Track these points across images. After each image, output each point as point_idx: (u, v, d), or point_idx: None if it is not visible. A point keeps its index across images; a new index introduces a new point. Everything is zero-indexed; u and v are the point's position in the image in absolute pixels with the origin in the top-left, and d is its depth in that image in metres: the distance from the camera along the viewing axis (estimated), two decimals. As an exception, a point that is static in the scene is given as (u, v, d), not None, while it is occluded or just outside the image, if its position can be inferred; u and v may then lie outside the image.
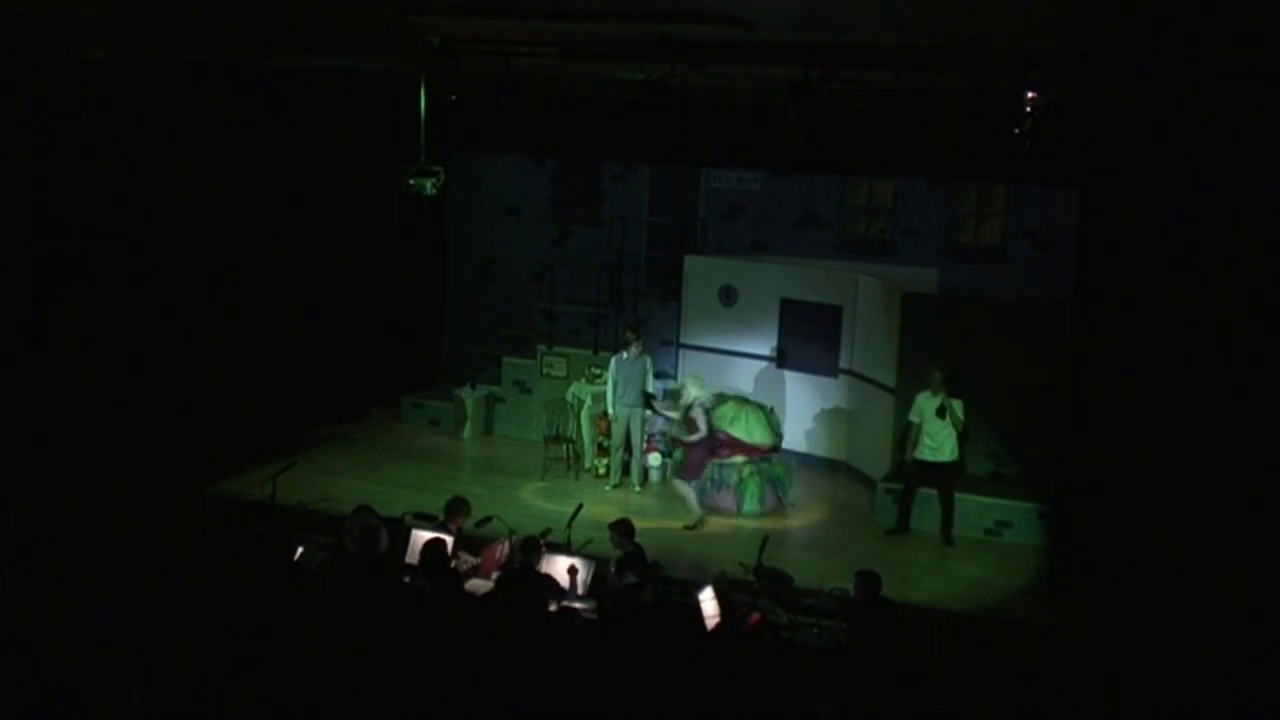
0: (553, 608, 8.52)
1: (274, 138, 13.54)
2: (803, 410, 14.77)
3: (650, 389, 13.63)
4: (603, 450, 14.11)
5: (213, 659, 7.20)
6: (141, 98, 11.49)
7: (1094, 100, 9.71)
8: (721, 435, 13.39)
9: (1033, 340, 12.74)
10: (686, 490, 12.81)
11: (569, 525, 10.12)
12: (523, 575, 9.16)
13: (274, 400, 14.43)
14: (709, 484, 13.23)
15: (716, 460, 13.30)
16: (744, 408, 13.58)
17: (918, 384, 12.64)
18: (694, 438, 12.78)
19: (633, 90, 10.58)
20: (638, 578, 9.29)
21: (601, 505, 12.71)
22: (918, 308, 13.35)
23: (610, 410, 13.60)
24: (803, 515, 13.38)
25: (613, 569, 9.64)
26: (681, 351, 15.63)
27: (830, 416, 14.63)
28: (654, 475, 14.05)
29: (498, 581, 9.22)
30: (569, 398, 14.64)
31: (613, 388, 13.53)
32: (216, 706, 6.81)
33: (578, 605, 9.13)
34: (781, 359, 14.86)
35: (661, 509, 13.15)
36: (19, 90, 11.58)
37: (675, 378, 15.44)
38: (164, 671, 6.96)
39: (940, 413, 12.29)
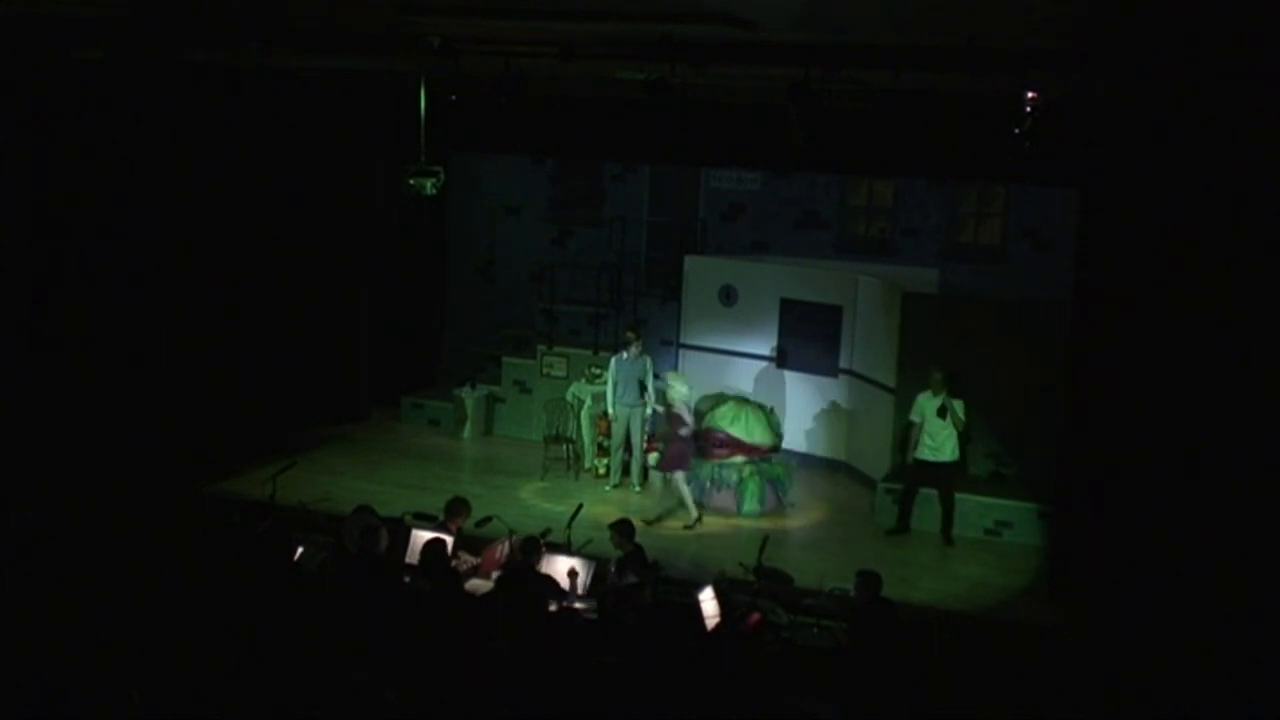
0: (553, 608, 8.52)
1: (274, 138, 13.53)
2: (803, 410, 14.77)
3: (650, 389, 13.64)
4: (603, 450, 14.12)
5: (213, 659, 7.20)
6: (141, 98, 11.48)
7: (1094, 100, 9.71)
8: (721, 435, 13.40)
9: (1033, 340, 12.74)
10: (685, 490, 12.81)
11: (569, 525, 10.12)
12: (523, 575, 9.16)
13: (274, 400, 14.43)
14: (709, 484, 13.24)
15: (716, 460, 13.32)
16: (744, 408, 13.59)
17: (918, 384, 12.65)
18: (681, 431, 12.77)
19: (633, 90, 10.58)
20: (638, 578, 9.29)
21: (601, 505, 12.71)
22: (918, 308, 13.36)
23: (610, 410, 13.60)
24: (803, 515, 13.38)
25: (613, 569, 9.65)
26: (681, 351, 15.63)
27: (830, 416, 14.63)
28: (654, 475, 14.04)
29: (498, 581, 9.22)
30: (569, 398, 14.64)
31: (613, 388, 13.53)
32: (216, 706, 6.81)
33: (578, 605, 9.13)
34: (781, 359, 14.86)
35: (662, 509, 13.13)
36: (19, 90, 11.58)
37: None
38: (164, 671, 6.96)
39: (941, 413, 12.29)
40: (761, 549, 9.87)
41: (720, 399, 13.97)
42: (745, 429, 13.37)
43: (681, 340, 15.62)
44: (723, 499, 13.20)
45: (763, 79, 10.53)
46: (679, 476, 12.80)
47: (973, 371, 12.70)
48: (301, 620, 7.99)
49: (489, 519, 10.59)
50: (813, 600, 9.87)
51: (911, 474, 12.68)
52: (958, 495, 12.55)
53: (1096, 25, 7.95)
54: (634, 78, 10.40)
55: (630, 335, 13.64)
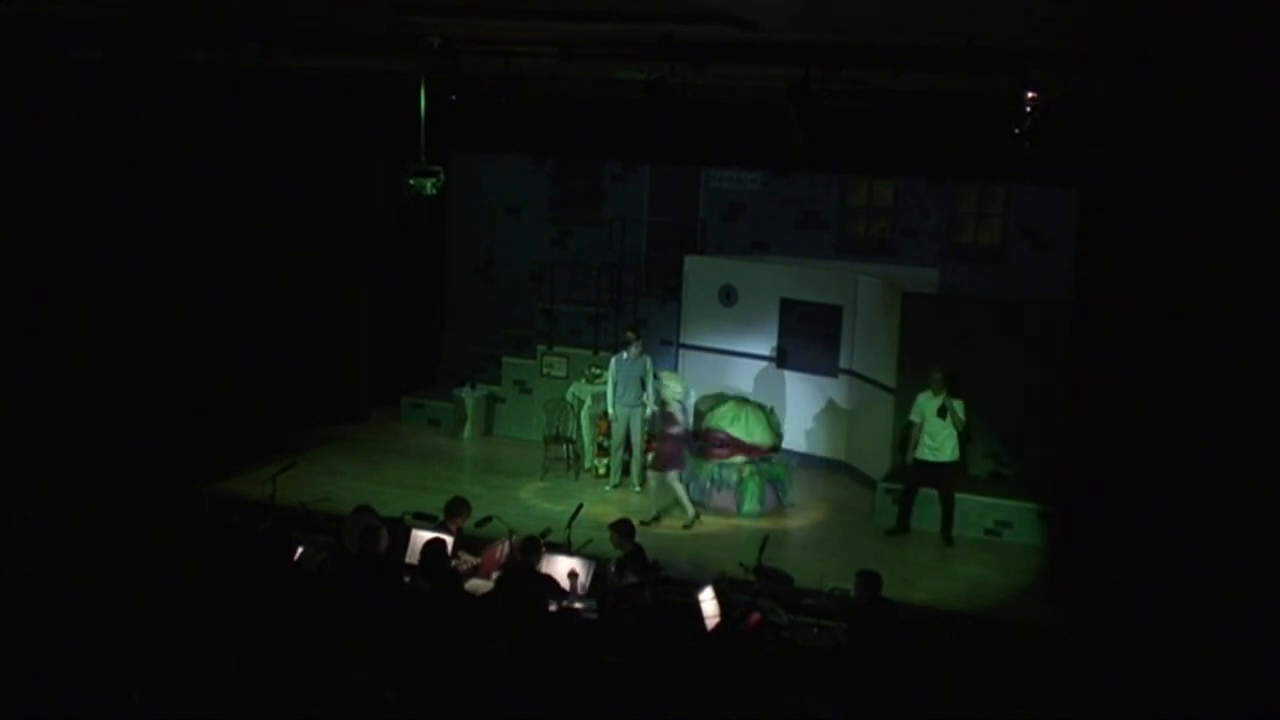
0: (553, 608, 8.52)
1: (274, 138, 13.53)
2: (803, 410, 14.77)
3: (650, 389, 13.64)
4: (603, 450, 14.12)
5: (213, 659, 7.20)
6: (141, 98, 11.49)
7: (1094, 100, 9.71)
8: (721, 435, 13.40)
9: (1033, 340, 12.75)
10: (679, 489, 12.81)
11: (569, 525, 10.12)
12: (523, 575, 9.16)
13: (274, 400, 14.43)
14: (709, 484, 13.24)
15: (716, 460, 13.32)
16: (744, 408, 13.59)
17: (918, 384, 12.65)
18: (674, 430, 12.78)
19: (633, 90, 10.58)
20: (638, 578, 9.29)
21: (601, 505, 12.71)
22: (918, 308, 13.36)
23: (610, 410, 13.59)
24: (803, 515, 13.38)
25: (613, 569, 9.65)
26: (681, 351, 15.63)
27: (830, 416, 14.63)
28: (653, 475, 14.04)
29: (498, 581, 9.22)
30: (569, 398, 14.64)
31: (613, 388, 13.53)
32: (216, 706, 6.81)
33: (578, 605, 9.13)
34: (781, 359, 14.86)
35: (660, 509, 13.13)
36: (19, 90, 11.58)
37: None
38: (164, 671, 6.96)
39: (941, 413, 12.29)
40: (761, 549, 9.86)
41: (720, 399, 13.97)
42: (745, 429, 13.37)
43: (681, 340, 15.62)
44: (723, 499, 13.20)
45: (763, 79, 10.53)
46: (672, 476, 12.79)
47: (973, 371, 12.70)
48: (301, 620, 7.99)
49: (489, 519, 10.59)
50: (813, 600, 9.87)
51: (911, 474, 12.68)
52: (958, 495, 12.55)
53: (1096, 25, 7.95)
54: (634, 78, 10.40)
55: (630, 335, 13.64)
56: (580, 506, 10.66)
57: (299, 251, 14.60)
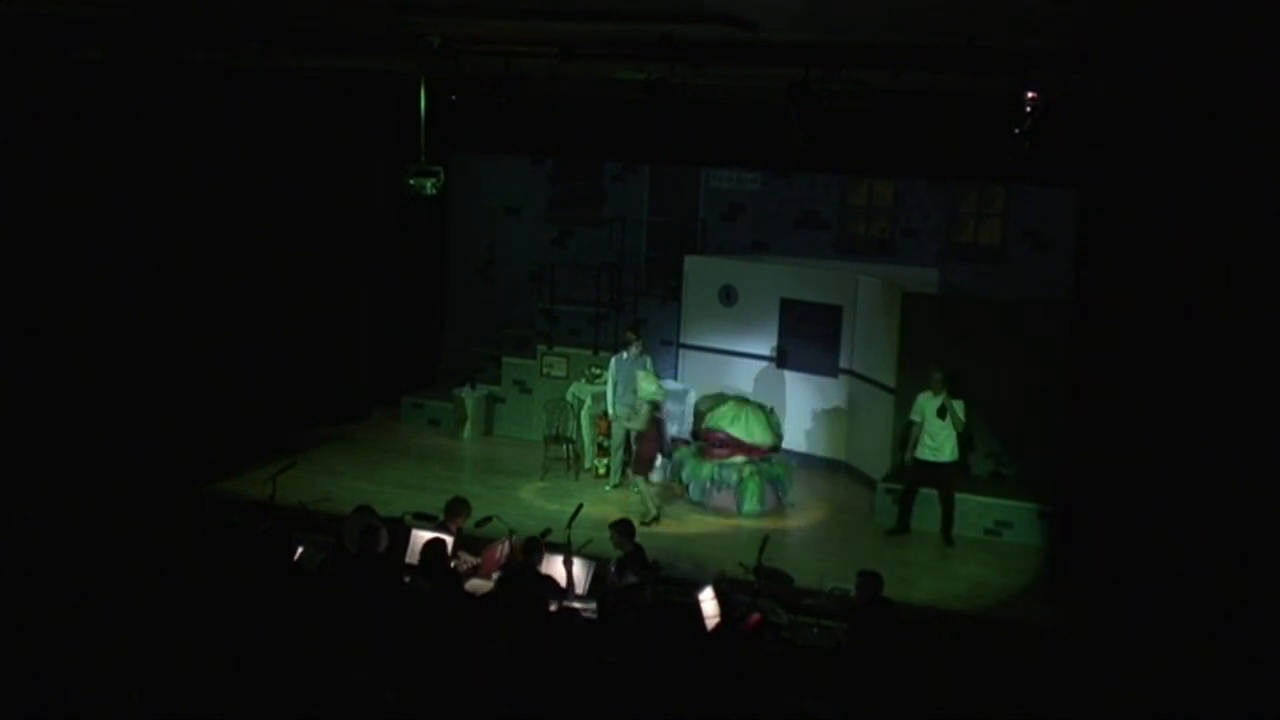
0: (553, 608, 8.52)
1: (274, 138, 13.53)
2: (803, 410, 14.77)
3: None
4: (603, 450, 14.11)
5: (213, 659, 7.20)
6: (141, 98, 11.48)
7: (1094, 100, 9.71)
8: (721, 435, 13.40)
9: (1033, 340, 12.75)
10: (647, 489, 12.83)
11: (569, 525, 10.12)
12: (523, 575, 9.15)
13: (274, 400, 14.43)
14: (709, 484, 13.25)
15: (716, 460, 13.32)
16: (744, 408, 13.59)
17: (918, 384, 12.65)
18: (635, 427, 12.80)
19: (633, 90, 10.58)
20: (638, 578, 9.29)
21: (601, 505, 12.71)
22: (918, 308, 13.36)
23: (610, 410, 13.59)
24: (803, 515, 13.39)
25: (613, 569, 9.65)
26: (681, 351, 15.64)
27: (830, 416, 14.63)
28: (654, 475, 14.04)
29: (498, 581, 9.22)
30: (569, 398, 14.64)
31: (613, 388, 13.53)
32: (216, 706, 6.81)
33: (578, 605, 9.13)
34: (781, 359, 14.87)
35: (660, 507, 13.14)
36: (19, 90, 11.58)
37: (676, 378, 15.45)
38: (164, 671, 6.96)
39: (941, 413, 12.29)
40: (761, 549, 9.86)
41: (720, 399, 13.97)
42: (745, 429, 13.37)
43: (681, 340, 15.62)
44: (723, 499, 13.20)
45: (763, 79, 10.53)
46: (642, 479, 12.83)
47: (973, 371, 12.70)
48: (301, 620, 7.98)
49: (489, 519, 10.59)
50: (813, 600, 9.87)
51: (911, 474, 12.68)
52: (958, 495, 12.55)
53: (1096, 25, 7.95)
54: (634, 78, 10.40)
55: (630, 335, 13.64)
56: (580, 506, 10.66)
57: (299, 251, 14.60)
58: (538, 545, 9.59)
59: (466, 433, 15.49)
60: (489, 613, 8.48)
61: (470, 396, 15.54)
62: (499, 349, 16.03)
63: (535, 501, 13.24)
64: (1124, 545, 9.65)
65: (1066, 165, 10.63)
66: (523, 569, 9.28)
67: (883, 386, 13.73)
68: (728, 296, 15.18)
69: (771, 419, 13.69)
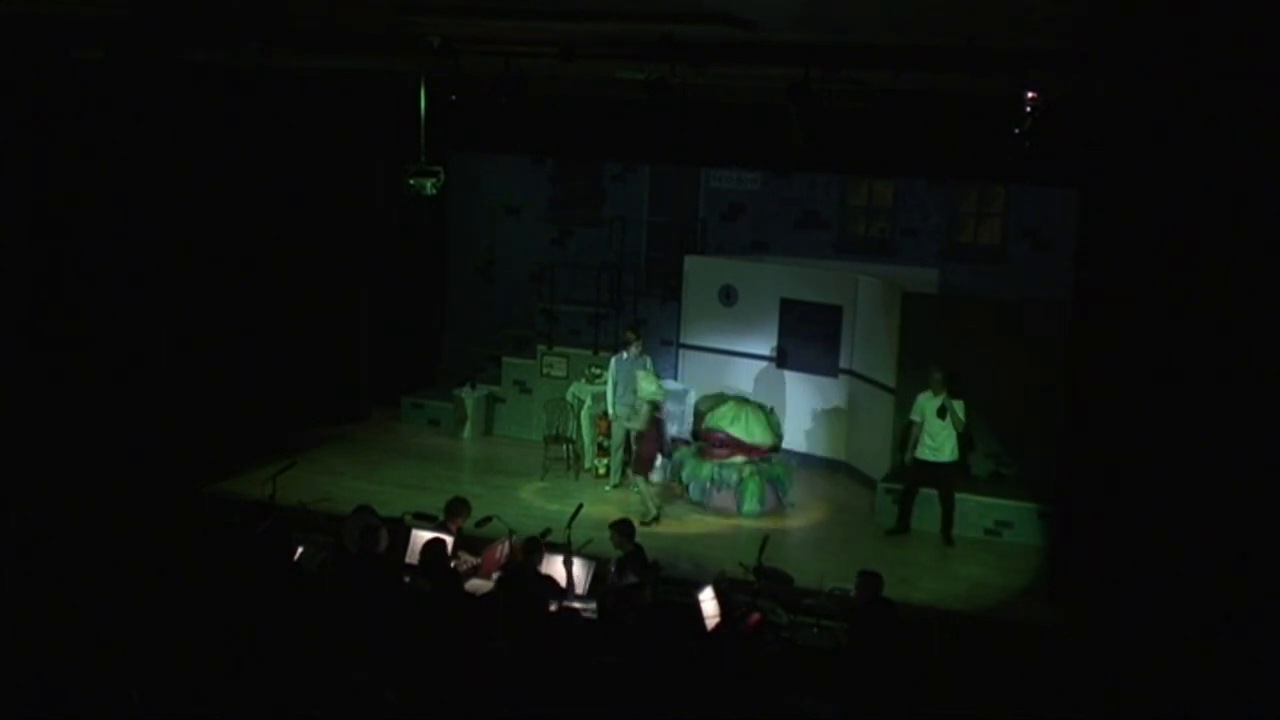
0: (553, 608, 8.52)
1: (274, 138, 13.53)
2: (803, 410, 14.77)
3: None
4: (603, 450, 14.11)
5: (213, 659, 7.20)
6: (141, 98, 11.48)
7: (1094, 100, 9.71)
8: (721, 435, 13.40)
9: (1033, 340, 12.75)
10: (647, 489, 12.85)
11: (569, 525, 10.12)
12: (523, 575, 9.15)
13: (274, 400, 14.43)
14: (709, 484, 13.24)
15: (716, 460, 13.32)
16: (744, 408, 13.59)
17: (918, 384, 12.65)
18: (635, 427, 12.81)
19: (633, 90, 10.58)
20: (638, 578, 9.29)
21: (601, 505, 12.71)
22: (918, 308, 13.36)
23: (610, 410, 13.59)
24: (803, 515, 13.38)
25: (613, 569, 9.64)
26: (681, 351, 15.64)
27: (830, 416, 14.63)
28: (654, 475, 14.04)
29: (498, 581, 9.22)
30: (569, 398, 14.64)
31: (613, 388, 13.53)
32: (216, 706, 6.81)
33: (578, 605, 9.13)
34: (781, 359, 14.87)
35: (662, 509, 13.13)
36: (19, 90, 11.58)
37: (676, 378, 15.45)
38: (164, 671, 6.96)
39: (941, 413, 12.29)
40: (761, 549, 9.86)
41: (720, 399, 13.97)
42: (745, 429, 13.37)
43: (681, 340, 15.62)
44: (723, 499, 13.20)
45: (763, 79, 10.53)
46: (642, 479, 12.84)
47: (973, 371, 12.70)
48: (301, 620, 7.98)
49: (489, 519, 10.59)
50: (813, 600, 9.87)
51: (911, 474, 12.68)
52: (958, 495, 12.55)
53: (1096, 25, 7.95)
54: (634, 78, 10.40)
55: (630, 335, 13.64)
56: (580, 506, 10.66)
57: (299, 251, 14.60)
58: (538, 545, 9.59)
59: (466, 433, 15.49)
60: (489, 613, 8.48)
61: (470, 396, 15.54)
62: (499, 349, 16.03)
63: (535, 501, 13.24)
64: (1124, 545, 9.65)
65: (1066, 165, 10.62)
66: (523, 569, 9.28)
67: (883, 386, 13.73)
68: (728, 296, 15.18)
69: (771, 419, 13.69)
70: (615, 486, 13.72)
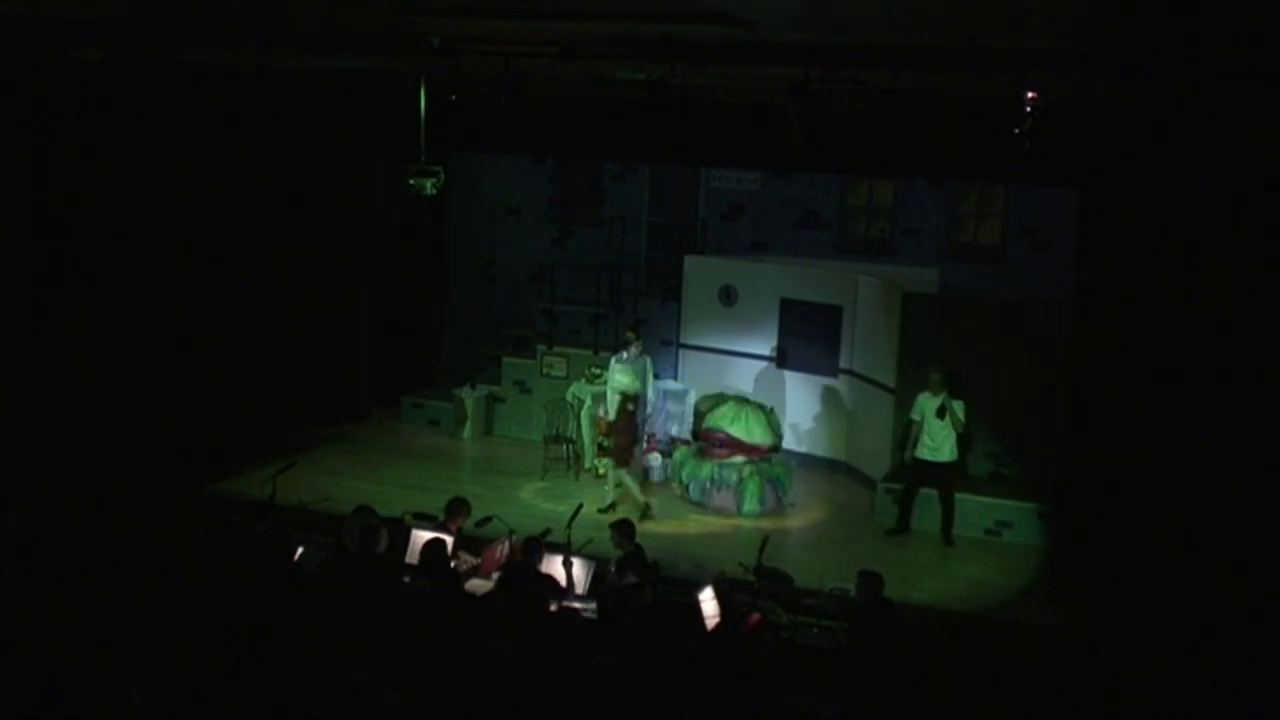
0: (553, 608, 8.52)
1: (274, 138, 13.53)
2: (803, 410, 14.77)
3: (651, 388, 13.65)
4: (603, 450, 14.09)
5: (213, 659, 7.20)
6: (141, 98, 11.48)
7: (1094, 100, 9.71)
8: (721, 435, 13.40)
9: (1033, 340, 12.75)
10: (628, 479, 12.86)
11: (569, 525, 10.13)
12: (523, 575, 9.16)
13: (274, 400, 14.44)
14: (709, 484, 13.24)
15: (716, 460, 13.32)
16: (744, 408, 13.59)
17: (918, 384, 12.65)
18: (606, 419, 12.83)
19: (633, 90, 10.58)
20: (638, 578, 9.29)
21: (602, 505, 12.71)
22: (918, 308, 13.36)
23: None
24: (803, 515, 13.38)
25: (613, 569, 9.64)
26: (681, 351, 15.64)
27: (830, 416, 14.63)
28: (654, 475, 14.06)
29: (498, 581, 9.22)
30: (569, 398, 14.64)
31: (613, 388, 13.53)
32: (216, 706, 6.81)
33: (578, 605, 9.13)
34: (781, 359, 14.87)
35: (662, 509, 13.13)
36: (19, 90, 11.58)
37: (676, 378, 15.46)
38: (164, 671, 6.96)
39: (940, 413, 12.30)
40: (761, 549, 9.86)
41: (720, 399, 13.97)
42: (745, 429, 13.37)
43: (681, 340, 15.62)
44: (723, 499, 13.20)
45: (763, 79, 10.53)
46: (623, 472, 12.87)
47: (973, 371, 12.71)
48: (301, 620, 7.98)
49: (489, 519, 10.59)
50: (813, 600, 9.87)
51: (911, 474, 12.68)
52: (958, 495, 12.55)
53: (1096, 25, 7.95)
54: (634, 78, 10.40)
55: (630, 335, 13.62)
56: (580, 506, 10.66)
57: (299, 251, 14.60)
58: (538, 545, 9.59)
59: (466, 433, 15.50)
60: (489, 613, 8.48)
61: (470, 396, 15.54)
62: (499, 349, 16.03)
63: (535, 501, 13.23)
64: (1124, 545, 9.66)
65: (1066, 165, 10.62)
66: (523, 569, 9.29)
67: (883, 386, 13.73)
68: (728, 296, 15.18)
69: (771, 419, 13.69)
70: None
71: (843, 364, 14.42)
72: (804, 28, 8.72)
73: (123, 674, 6.80)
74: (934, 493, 12.58)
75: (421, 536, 9.80)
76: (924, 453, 12.42)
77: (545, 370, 15.28)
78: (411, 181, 11.31)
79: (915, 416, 12.51)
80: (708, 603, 8.70)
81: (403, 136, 11.94)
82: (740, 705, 7.45)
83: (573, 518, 10.23)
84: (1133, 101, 9.24)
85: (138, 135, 11.87)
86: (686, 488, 13.51)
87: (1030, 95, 9.59)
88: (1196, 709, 8.49)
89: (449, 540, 9.74)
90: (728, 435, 13.36)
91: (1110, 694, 8.80)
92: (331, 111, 13.99)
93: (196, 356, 13.13)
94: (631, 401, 12.95)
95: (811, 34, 9.00)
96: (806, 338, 14.64)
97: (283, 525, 10.31)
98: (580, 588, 9.69)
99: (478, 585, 9.66)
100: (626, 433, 12.94)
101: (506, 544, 10.13)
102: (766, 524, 12.68)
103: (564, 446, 14.33)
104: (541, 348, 15.40)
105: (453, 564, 9.67)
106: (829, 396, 14.56)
